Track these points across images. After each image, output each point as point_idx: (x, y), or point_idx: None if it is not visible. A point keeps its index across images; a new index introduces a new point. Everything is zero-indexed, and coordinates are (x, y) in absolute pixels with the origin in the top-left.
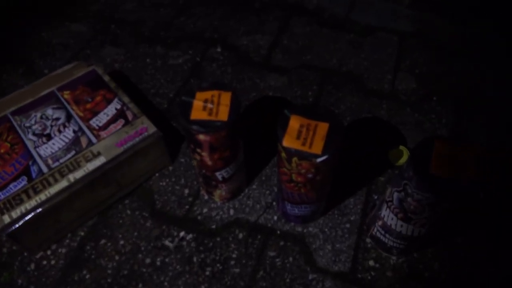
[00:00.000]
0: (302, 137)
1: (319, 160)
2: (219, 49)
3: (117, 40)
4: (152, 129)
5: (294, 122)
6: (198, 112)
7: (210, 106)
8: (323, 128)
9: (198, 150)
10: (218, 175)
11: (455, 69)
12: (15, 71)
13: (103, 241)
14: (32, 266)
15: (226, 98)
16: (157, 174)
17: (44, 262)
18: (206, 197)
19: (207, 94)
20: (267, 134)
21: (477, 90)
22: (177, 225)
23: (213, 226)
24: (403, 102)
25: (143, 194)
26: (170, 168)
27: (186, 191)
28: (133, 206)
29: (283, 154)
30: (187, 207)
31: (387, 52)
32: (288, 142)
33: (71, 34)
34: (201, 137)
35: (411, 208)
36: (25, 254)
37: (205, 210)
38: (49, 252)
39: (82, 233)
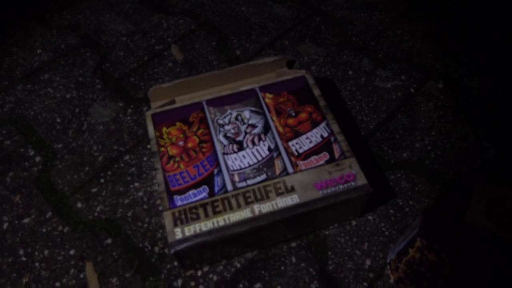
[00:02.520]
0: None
1: None
2: (440, 85)
3: (319, 37)
4: (361, 180)
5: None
6: (477, 214)
7: (496, 212)
8: None
9: (444, 256)
10: (441, 283)
11: None
12: (208, 42)
13: (258, 285)
14: (179, 282)
15: None
16: (336, 225)
17: (192, 284)
18: (392, 281)
19: (495, 191)
20: None
21: None
22: None
23: None
24: None
25: (315, 244)
26: (354, 223)
27: (368, 262)
28: (301, 254)
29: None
30: (365, 284)
31: None
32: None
33: (272, 15)
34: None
35: None
36: (175, 264)
37: None
38: (199, 273)
39: (239, 265)
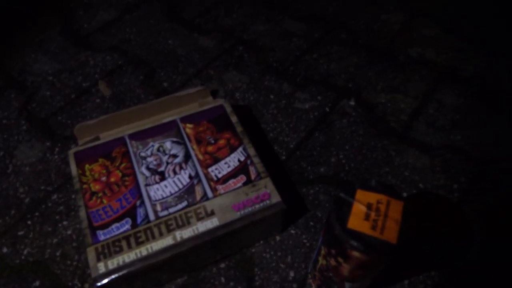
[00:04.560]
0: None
1: None
2: (352, 103)
3: (242, 65)
4: (275, 198)
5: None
6: (358, 220)
7: (374, 215)
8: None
9: (340, 259)
10: (347, 285)
11: None
12: (136, 77)
13: None
14: None
15: (396, 209)
16: (261, 242)
17: None
18: None
19: (372, 197)
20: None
21: None
22: None
23: None
24: None
25: (242, 263)
26: (278, 238)
27: (292, 274)
28: (229, 274)
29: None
30: None
31: None
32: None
33: (197, 47)
34: (355, 254)
35: None
36: None
37: None
38: None
39: None
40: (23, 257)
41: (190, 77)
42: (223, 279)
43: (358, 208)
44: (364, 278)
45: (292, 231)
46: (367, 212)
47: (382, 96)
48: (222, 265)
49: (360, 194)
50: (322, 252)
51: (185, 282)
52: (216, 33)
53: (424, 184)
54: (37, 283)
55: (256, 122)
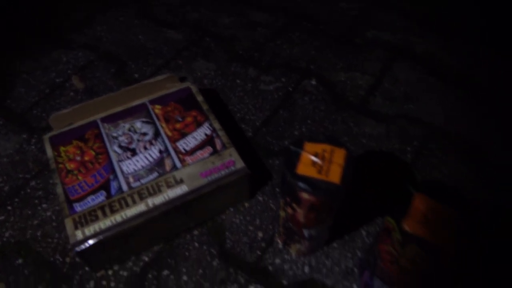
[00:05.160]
0: (430, 225)
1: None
2: (314, 82)
3: (210, 54)
4: (239, 164)
5: (420, 204)
6: (306, 167)
7: (320, 162)
8: (452, 217)
9: (294, 205)
10: (306, 232)
11: None
12: (107, 70)
13: (166, 272)
14: (92, 284)
15: (339, 156)
16: (231, 209)
17: (104, 283)
18: (281, 246)
19: (318, 147)
20: (356, 189)
21: None
22: (245, 272)
23: (285, 282)
24: None
25: (213, 229)
26: (246, 204)
27: (260, 234)
28: (202, 239)
29: (397, 235)
30: (258, 253)
31: None
32: (412, 227)
33: (166, 40)
34: (305, 196)
35: None
36: (87, 269)
37: (277, 260)
38: (110, 272)
39: (146, 259)
40: (5, 239)
41: (159, 68)
42: (196, 244)
43: (306, 157)
44: (318, 223)
45: (260, 198)
46: (313, 160)
47: (342, 75)
48: (195, 232)
49: (308, 146)
50: (281, 204)
51: (161, 249)
52: (185, 28)
53: (380, 148)
54: (20, 260)
55: (224, 104)
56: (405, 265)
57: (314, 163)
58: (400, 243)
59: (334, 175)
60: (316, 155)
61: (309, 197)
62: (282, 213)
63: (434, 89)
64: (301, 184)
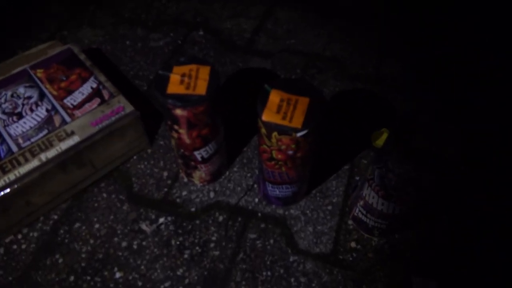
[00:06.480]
0: (282, 112)
1: (299, 134)
2: (201, 32)
3: (95, 21)
4: (129, 108)
5: (275, 97)
6: (175, 86)
7: (187, 80)
8: (304, 102)
9: (176, 127)
10: (197, 154)
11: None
12: None
13: (77, 225)
14: (1, 250)
15: (204, 72)
16: (135, 157)
17: (14, 247)
18: (185, 179)
19: (185, 69)
20: (248, 116)
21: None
22: (155, 208)
23: (193, 209)
24: (388, 86)
25: (120, 177)
26: (149, 151)
27: (165, 174)
28: (110, 189)
29: (263, 130)
30: (165, 189)
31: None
32: (267, 116)
33: (48, 14)
34: (178, 112)
35: (392, 184)
36: None
37: (184, 192)
38: (19, 236)
39: (56, 217)
40: None
41: (45, 41)
42: (104, 195)
43: (175, 78)
44: (205, 143)
45: (161, 142)
46: (182, 79)
47: (228, 23)
48: (102, 184)
49: (176, 69)
50: (168, 132)
51: (69, 205)
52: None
53: (266, 80)
54: None
55: (116, 66)
56: (277, 157)
57: (182, 81)
58: (266, 135)
59: (201, 88)
60: (183, 75)
61: (181, 112)
62: (172, 142)
63: (313, 24)
64: (170, 101)
